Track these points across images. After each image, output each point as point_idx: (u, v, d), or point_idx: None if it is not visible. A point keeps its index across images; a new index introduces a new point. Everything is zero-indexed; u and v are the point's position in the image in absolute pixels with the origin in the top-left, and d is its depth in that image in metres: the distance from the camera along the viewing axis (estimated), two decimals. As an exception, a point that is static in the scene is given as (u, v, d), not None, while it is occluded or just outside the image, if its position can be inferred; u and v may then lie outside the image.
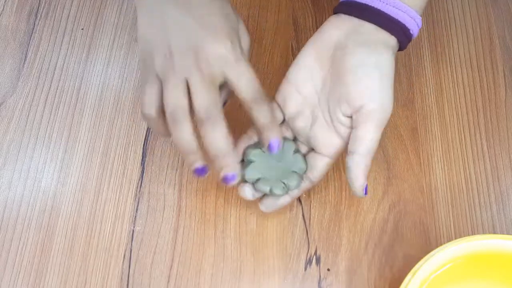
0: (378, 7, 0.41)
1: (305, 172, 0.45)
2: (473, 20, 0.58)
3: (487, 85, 0.55)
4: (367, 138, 0.41)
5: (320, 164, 0.44)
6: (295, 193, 0.45)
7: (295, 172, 0.44)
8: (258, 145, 0.45)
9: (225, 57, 0.40)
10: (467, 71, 0.56)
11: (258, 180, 0.44)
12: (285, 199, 0.45)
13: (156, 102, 0.41)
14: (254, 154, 0.44)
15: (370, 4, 0.41)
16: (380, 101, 0.40)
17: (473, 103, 0.54)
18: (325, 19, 0.58)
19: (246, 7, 0.59)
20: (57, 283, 0.46)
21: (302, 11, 0.59)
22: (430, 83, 0.55)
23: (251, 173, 0.44)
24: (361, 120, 0.41)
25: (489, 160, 0.51)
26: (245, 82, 0.41)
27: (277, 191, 0.44)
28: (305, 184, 0.45)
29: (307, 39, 0.57)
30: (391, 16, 0.41)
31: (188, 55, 0.39)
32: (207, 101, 0.40)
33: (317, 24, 0.58)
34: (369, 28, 0.42)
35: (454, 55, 0.57)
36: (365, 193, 0.42)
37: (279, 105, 0.45)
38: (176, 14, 0.40)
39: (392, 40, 0.42)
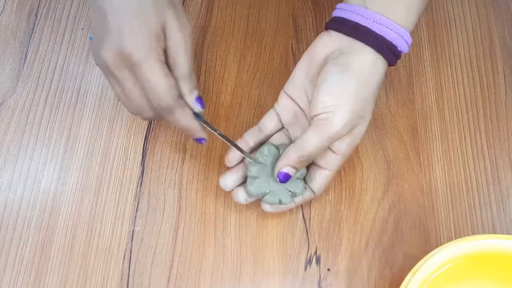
0: (366, 25, 0.42)
1: (305, 176, 0.47)
2: (473, 20, 0.58)
3: (487, 85, 0.55)
4: (307, 139, 0.42)
5: (319, 177, 0.46)
6: (299, 200, 0.47)
7: (298, 178, 0.46)
8: (256, 156, 0.46)
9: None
10: (467, 71, 0.56)
11: (265, 193, 0.46)
12: (290, 205, 0.47)
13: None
14: (256, 170, 0.46)
15: (358, 22, 0.42)
16: (332, 116, 0.41)
17: (473, 103, 0.54)
18: (325, 19, 0.58)
19: (246, 7, 0.59)
20: (57, 283, 0.46)
21: (302, 11, 0.59)
22: (430, 83, 0.55)
23: (258, 189, 0.45)
24: (310, 126, 0.43)
25: (489, 160, 0.51)
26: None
27: (286, 200, 0.46)
28: (308, 194, 0.47)
29: (307, 39, 0.57)
30: (378, 34, 0.42)
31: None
32: (158, 93, 0.42)
33: (317, 24, 0.58)
34: (354, 47, 0.42)
35: (454, 55, 0.57)
36: (281, 179, 0.44)
37: (278, 114, 0.48)
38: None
39: (378, 58, 0.43)
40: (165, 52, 0.43)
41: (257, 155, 0.46)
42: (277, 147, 0.46)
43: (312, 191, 0.46)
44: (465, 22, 0.58)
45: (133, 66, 0.41)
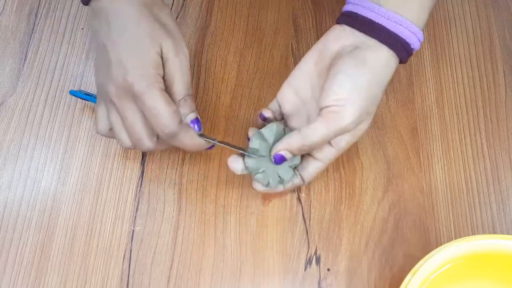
0: (380, 22, 0.42)
1: (297, 166, 0.47)
2: (473, 20, 0.58)
3: (487, 85, 0.55)
4: (314, 128, 0.42)
5: (311, 167, 0.46)
6: (288, 185, 0.47)
7: (290, 167, 0.46)
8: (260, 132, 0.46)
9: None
10: (467, 71, 0.56)
11: (258, 172, 0.45)
12: (278, 188, 0.47)
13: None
14: (258, 144, 0.45)
15: (373, 19, 0.42)
16: (343, 110, 0.42)
17: (473, 103, 0.54)
18: (325, 19, 0.58)
19: (246, 7, 0.59)
20: (57, 283, 0.46)
21: (302, 11, 0.59)
22: (430, 83, 0.55)
23: (255, 164, 0.45)
24: (319, 117, 0.43)
25: (489, 160, 0.51)
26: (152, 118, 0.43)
27: (273, 184, 0.46)
28: (298, 181, 0.47)
29: (307, 39, 0.57)
30: (392, 32, 0.42)
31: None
32: (162, 120, 0.43)
33: (317, 24, 0.58)
34: (369, 44, 0.43)
35: (454, 55, 0.57)
36: (275, 160, 0.44)
37: (278, 102, 0.47)
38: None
39: (391, 55, 0.43)
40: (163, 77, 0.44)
41: (263, 129, 0.46)
42: (284, 128, 0.46)
43: (302, 179, 0.47)
44: (465, 22, 0.58)
45: (135, 96, 0.42)
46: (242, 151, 0.45)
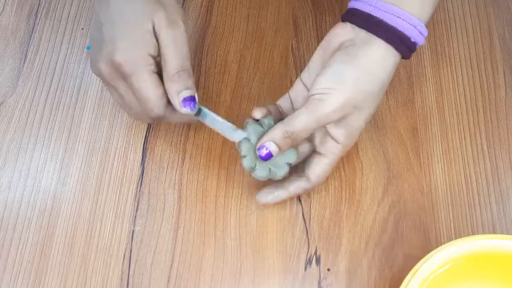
0: (378, 16, 0.42)
1: (291, 164, 0.46)
2: (473, 20, 0.58)
3: (487, 85, 0.55)
4: (296, 115, 0.42)
5: (316, 164, 0.46)
6: (291, 189, 0.46)
7: (287, 164, 0.46)
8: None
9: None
10: (467, 71, 0.56)
11: (254, 168, 0.45)
12: (280, 192, 0.46)
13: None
14: (253, 129, 0.45)
15: (371, 13, 0.42)
16: (326, 97, 0.42)
17: (473, 103, 0.54)
18: (325, 19, 0.58)
19: (246, 7, 0.59)
20: (57, 283, 0.46)
21: (302, 11, 0.59)
22: (430, 83, 0.55)
23: (247, 163, 0.45)
24: (305, 105, 0.43)
25: (489, 160, 0.51)
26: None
27: (264, 173, 0.45)
28: (304, 184, 0.46)
29: (307, 39, 0.57)
30: (390, 25, 0.42)
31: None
32: (148, 104, 0.43)
33: (317, 24, 0.58)
34: (366, 39, 0.43)
35: (454, 55, 0.57)
36: (261, 155, 0.43)
37: (291, 99, 0.47)
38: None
39: (388, 51, 0.43)
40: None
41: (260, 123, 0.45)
42: (261, 122, 0.45)
43: (309, 180, 0.46)
44: (465, 22, 0.58)
45: (125, 77, 0.42)
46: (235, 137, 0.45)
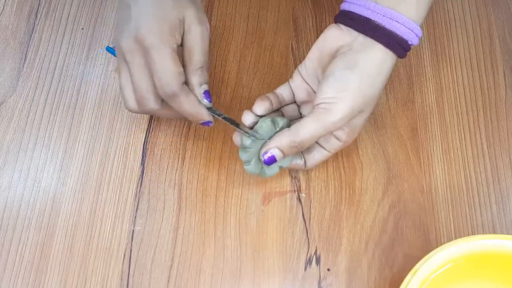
0: (376, 20, 0.42)
1: (282, 167, 0.47)
2: (473, 20, 0.58)
3: (487, 85, 0.55)
4: (304, 124, 0.43)
5: (318, 154, 0.47)
6: (286, 163, 0.47)
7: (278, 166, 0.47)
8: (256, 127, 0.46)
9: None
10: (467, 71, 0.56)
11: (250, 163, 0.46)
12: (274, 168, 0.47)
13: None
14: (265, 126, 0.45)
15: (369, 17, 0.42)
16: (333, 106, 0.42)
17: (473, 103, 0.54)
18: (325, 19, 0.58)
19: (246, 7, 0.59)
20: (57, 283, 0.46)
21: (302, 11, 0.59)
22: (430, 83, 0.55)
23: (246, 157, 0.46)
24: (310, 114, 0.43)
25: (489, 160, 0.51)
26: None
27: (255, 168, 0.46)
28: (299, 162, 0.48)
29: (307, 39, 0.57)
30: (388, 29, 0.42)
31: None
32: (164, 77, 0.43)
33: (317, 24, 0.58)
34: (364, 44, 0.43)
35: (454, 55, 0.57)
36: (265, 160, 0.44)
37: (292, 91, 0.49)
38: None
39: (387, 55, 0.43)
40: (182, 45, 0.44)
41: (257, 125, 0.46)
42: (275, 121, 0.46)
43: (305, 162, 0.48)
44: (465, 22, 0.58)
45: (145, 50, 0.42)
46: (244, 131, 0.46)
